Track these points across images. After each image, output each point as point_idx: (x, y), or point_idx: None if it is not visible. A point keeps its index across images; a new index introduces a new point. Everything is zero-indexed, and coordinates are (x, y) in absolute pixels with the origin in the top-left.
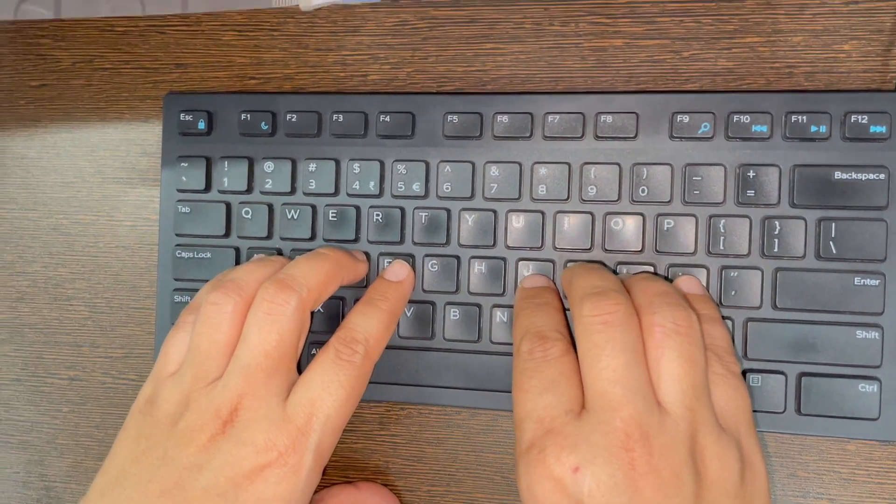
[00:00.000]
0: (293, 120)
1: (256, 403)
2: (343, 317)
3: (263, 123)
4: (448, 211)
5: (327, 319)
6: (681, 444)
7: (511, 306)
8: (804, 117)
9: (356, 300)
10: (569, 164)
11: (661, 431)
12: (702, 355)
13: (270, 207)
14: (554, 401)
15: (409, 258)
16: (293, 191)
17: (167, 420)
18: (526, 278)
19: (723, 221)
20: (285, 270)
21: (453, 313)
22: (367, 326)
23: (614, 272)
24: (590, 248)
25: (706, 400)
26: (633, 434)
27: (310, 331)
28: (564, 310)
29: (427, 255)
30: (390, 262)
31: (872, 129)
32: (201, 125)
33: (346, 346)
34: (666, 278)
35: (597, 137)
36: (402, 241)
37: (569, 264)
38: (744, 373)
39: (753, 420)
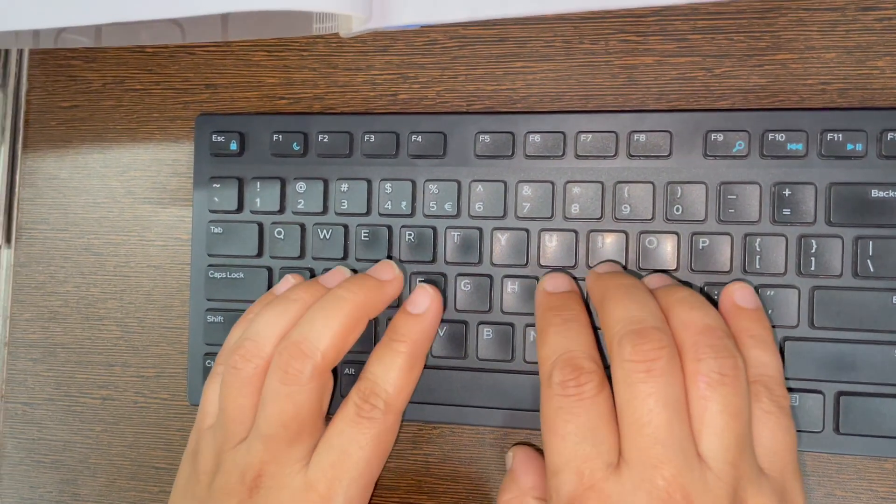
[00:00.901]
0: (325, 140)
1: (278, 471)
2: (375, 339)
3: (295, 144)
4: (480, 230)
5: (362, 340)
6: (723, 499)
7: None
8: (840, 135)
9: (388, 319)
10: (602, 183)
11: (703, 489)
12: (746, 405)
13: (303, 227)
14: (593, 452)
15: (442, 278)
16: (325, 211)
17: (205, 477)
18: (546, 278)
19: (758, 240)
20: (300, 328)
21: (486, 333)
22: (387, 376)
23: (639, 277)
24: (625, 266)
25: (749, 452)
26: (674, 495)
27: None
28: (592, 322)
29: (459, 275)
30: (414, 288)
31: None
32: (233, 146)
33: (366, 402)
34: (708, 297)
35: (630, 156)
36: (434, 261)
37: (595, 267)
38: None
39: (797, 459)
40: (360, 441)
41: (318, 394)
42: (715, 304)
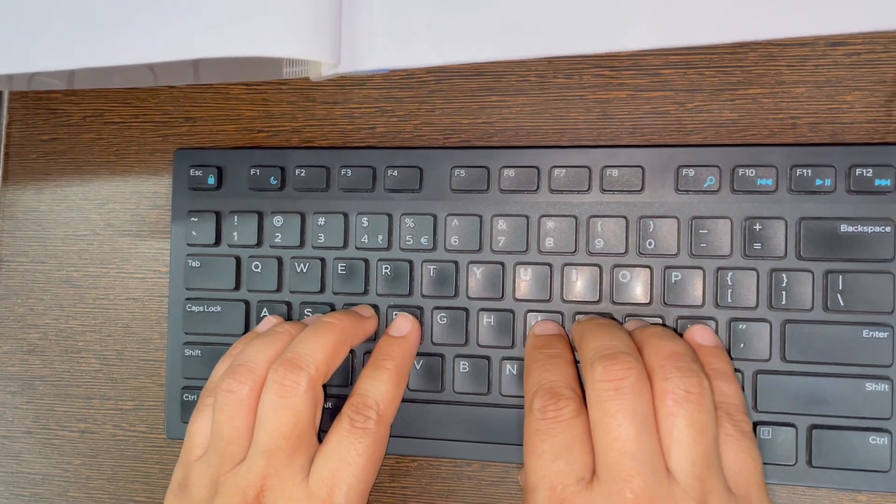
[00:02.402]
0: (302, 175)
1: (280, 483)
2: (353, 371)
3: (273, 178)
4: (456, 263)
5: (339, 374)
6: None
7: (521, 359)
8: (809, 171)
9: (366, 353)
10: (576, 217)
11: (671, 502)
12: (712, 422)
13: (280, 261)
14: (566, 468)
15: (418, 311)
16: (302, 244)
17: None
18: (537, 324)
19: (730, 274)
20: (293, 348)
21: (462, 366)
22: (377, 390)
23: (621, 323)
24: (598, 301)
25: (716, 468)
26: None
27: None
28: (576, 361)
29: (436, 308)
30: (395, 316)
31: (878, 182)
32: (211, 180)
33: (359, 414)
34: (677, 331)
35: (603, 191)
36: (410, 294)
37: (578, 317)
38: (755, 425)
39: (764, 481)
40: (356, 449)
41: (313, 406)
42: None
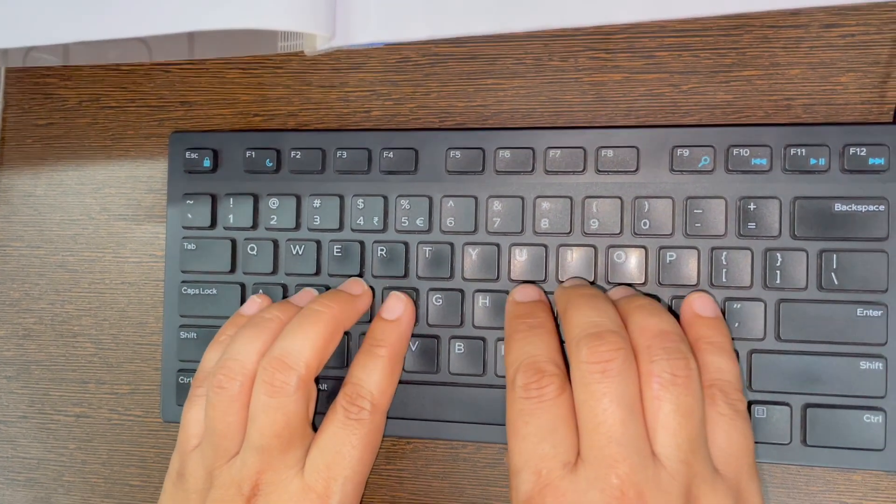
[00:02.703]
0: (297, 157)
1: (275, 478)
2: (349, 354)
3: (268, 161)
4: (451, 245)
5: (334, 357)
6: (676, 498)
7: None
8: (803, 150)
9: (361, 334)
10: (571, 198)
11: (656, 487)
12: (699, 405)
13: (275, 243)
14: (551, 451)
15: (414, 292)
16: (298, 227)
17: (196, 496)
18: (516, 289)
19: (724, 254)
20: (281, 344)
21: (458, 347)
22: (370, 379)
23: (605, 291)
24: (593, 282)
25: (702, 451)
26: (628, 492)
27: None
28: (558, 330)
29: (431, 290)
30: (386, 297)
31: (871, 160)
32: (206, 163)
33: (353, 404)
34: (670, 308)
35: (598, 171)
36: (406, 276)
37: (563, 282)
38: (749, 404)
39: (755, 462)
40: (351, 441)
41: (304, 402)
42: (677, 317)
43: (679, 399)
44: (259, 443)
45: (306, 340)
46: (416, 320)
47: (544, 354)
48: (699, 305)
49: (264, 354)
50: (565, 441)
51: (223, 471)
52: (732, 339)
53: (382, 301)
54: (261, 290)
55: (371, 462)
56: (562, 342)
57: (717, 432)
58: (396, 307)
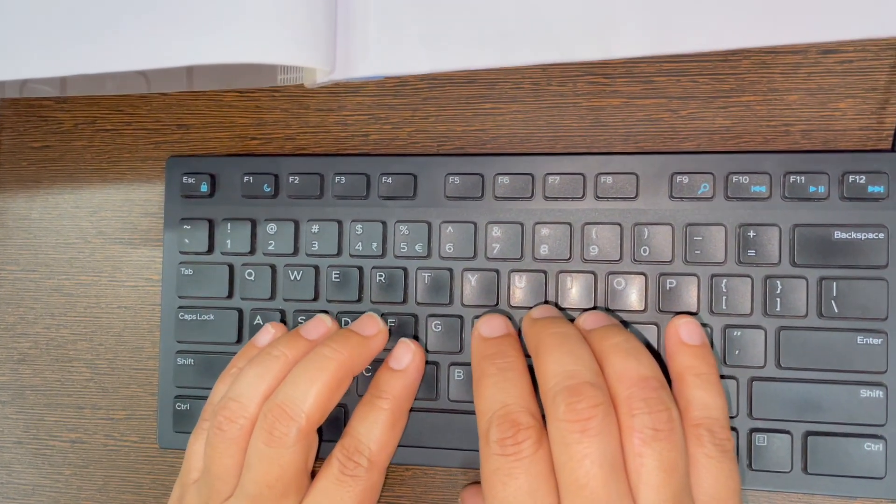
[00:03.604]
0: (295, 182)
1: None
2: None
3: (266, 185)
4: (451, 271)
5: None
6: None
7: None
8: (802, 177)
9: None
10: (570, 224)
11: None
12: (682, 457)
13: (273, 269)
14: None
15: (413, 318)
16: (296, 252)
17: None
18: (481, 322)
19: (724, 281)
20: (285, 390)
21: (457, 374)
22: (370, 434)
23: (572, 320)
24: (593, 308)
25: (686, 502)
26: None
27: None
28: (529, 369)
29: (430, 316)
30: (397, 339)
31: (871, 188)
32: (204, 188)
33: (349, 459)
34: (651, 348)
35: (597, 198)
36: (405, 302)
37: (530, 311)
38: (750, 432)
39: (741, 502)
40: (343, 499)
41: (303, 454)
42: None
43: (662, 455)
44: (252, 491)
45: (310, 389)
46: (424, 371)
47: (517, 403)
48: (685, 333)
49: (268, 396)
50: (545, 500)
51: None
52: (727, 373)
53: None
54: (259, 316)
55: None
56: (533, 374)
57: (703, 475)
58: (405, 356)
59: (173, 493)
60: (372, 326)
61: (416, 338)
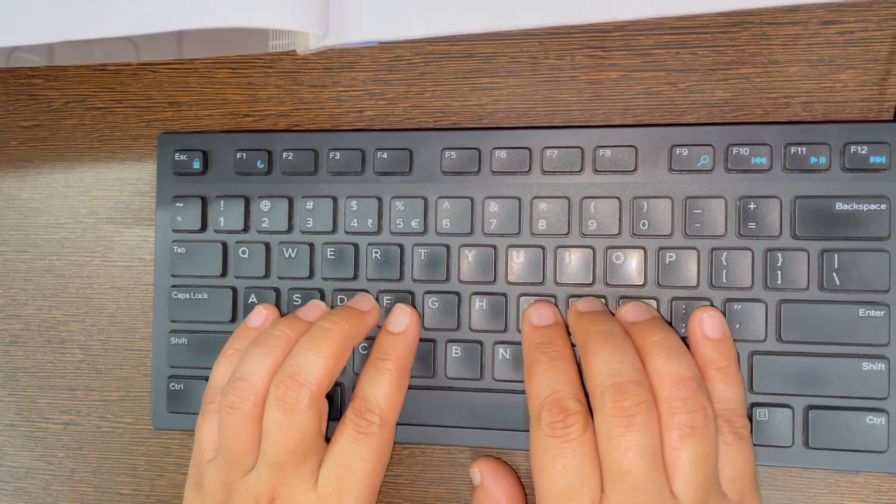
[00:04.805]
0: (289, 158)
1: (290, 492)
2: (353, 366)
3: (259, 162)
4: (447, 247)
5: None
6: None
7: (514, 343)
8: (803, 149)
9: (364, 350)
10: (568, 199)
11: None
12: (714, 450)
13: (267, 246)
14: (579, 490)
15: (409, 295)
16: (290, 229)
17: None
18: (532, 309)
19: (725, 254)
20: (293, 361)
21: (455, 351)
22: (378, 392)
23: (612, 314)
24: (591, 283)
25: (715, 489)
26: None
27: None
28: (575, 357)
29: (427, 292)
30: (392, 306)
31: (872, 159)
32: (196, 165)
33: (362, 418)
34: (683, 340)
35: (596, 171)
36: (401, 278)
37: (576, 303)
38: (751, 407)
39: (756, 479)
40: (361, 455)
41: (317, 419)
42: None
43: (697, 449)
44: (274, 459)
45: (318, 358)
46: (421, 330)
47: (567, 390)
48: (709, 327)
49: (275, 372)
50: (591, 479)
51: (240, 484)
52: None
53: (380, 306)
54: (254, 295)
55: (382, 473)
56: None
57: (724, 460)
58: (402, 320)
59: (190, 476)
60: (366, 303)
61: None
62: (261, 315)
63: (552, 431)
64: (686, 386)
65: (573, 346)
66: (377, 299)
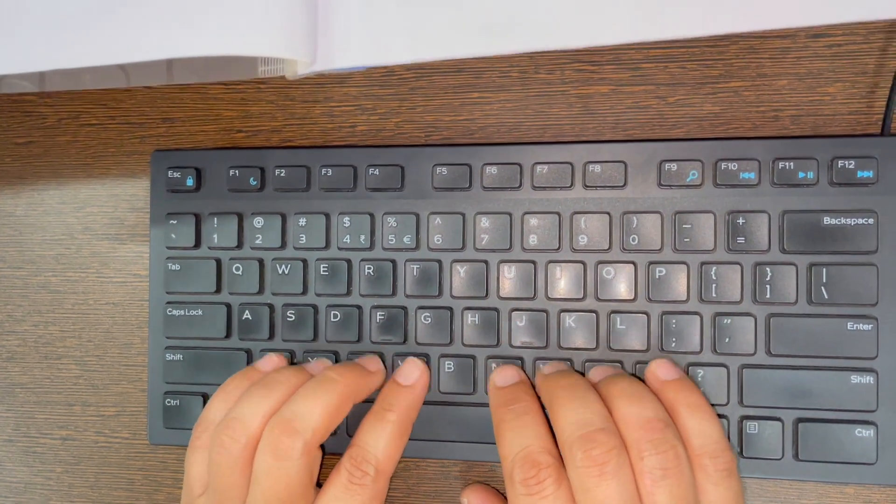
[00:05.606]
0: (282, 175)
1: None
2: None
3: (252, 179)
4: (440, 262)
5: None
6: None
7: (507, 357)
8: (791, 163)
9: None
10: (559, 214)
11: None
12: (690, 488)
13: (261, 263)
14: None
15: (402, 310)
16: (283, 245)
17: None
18: (495, 373)
19: (714, 268)
20: (291, 406)
21: (448, 366)
22: (377, 444)
23: (582, 374)
24: (582, 298)
25: None
26: None
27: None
28: (543, 411)
29: (419, 308)
30: (403, 361)
31: (860, 173)
32: (189, 182)
33: (357, 468)
34: (640, 379)
35: (586, 186)
36: (394, 294)
37: (542, 367)
38: (741, 420)
39: None
40: None
41: (308, 468)
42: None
43: (672, 491)
44: (262, 503)
45: (317, 406)
46: (429, 388)
47: (537, 444)
48: (663, 372)
49: (271, 416)
50: None
51: None
52: (719, 361)
53: (372, 321)
54: (248, 314)
55: None
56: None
57: (711, 498)
58: (412, 373)
59: None
60: (373, 364)
61: (405, 330)
62: (270, 362)
63: (526, 489)
64: (653, 427)
65: (542, 406)
66: (370, 315)
